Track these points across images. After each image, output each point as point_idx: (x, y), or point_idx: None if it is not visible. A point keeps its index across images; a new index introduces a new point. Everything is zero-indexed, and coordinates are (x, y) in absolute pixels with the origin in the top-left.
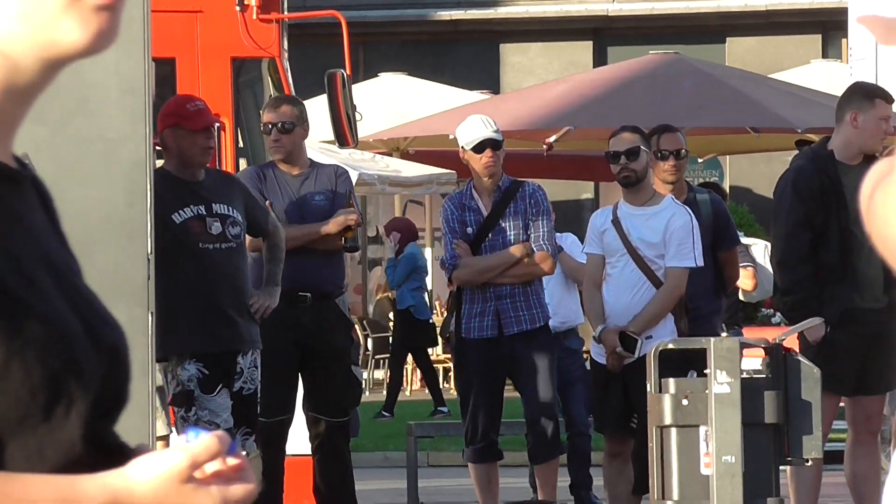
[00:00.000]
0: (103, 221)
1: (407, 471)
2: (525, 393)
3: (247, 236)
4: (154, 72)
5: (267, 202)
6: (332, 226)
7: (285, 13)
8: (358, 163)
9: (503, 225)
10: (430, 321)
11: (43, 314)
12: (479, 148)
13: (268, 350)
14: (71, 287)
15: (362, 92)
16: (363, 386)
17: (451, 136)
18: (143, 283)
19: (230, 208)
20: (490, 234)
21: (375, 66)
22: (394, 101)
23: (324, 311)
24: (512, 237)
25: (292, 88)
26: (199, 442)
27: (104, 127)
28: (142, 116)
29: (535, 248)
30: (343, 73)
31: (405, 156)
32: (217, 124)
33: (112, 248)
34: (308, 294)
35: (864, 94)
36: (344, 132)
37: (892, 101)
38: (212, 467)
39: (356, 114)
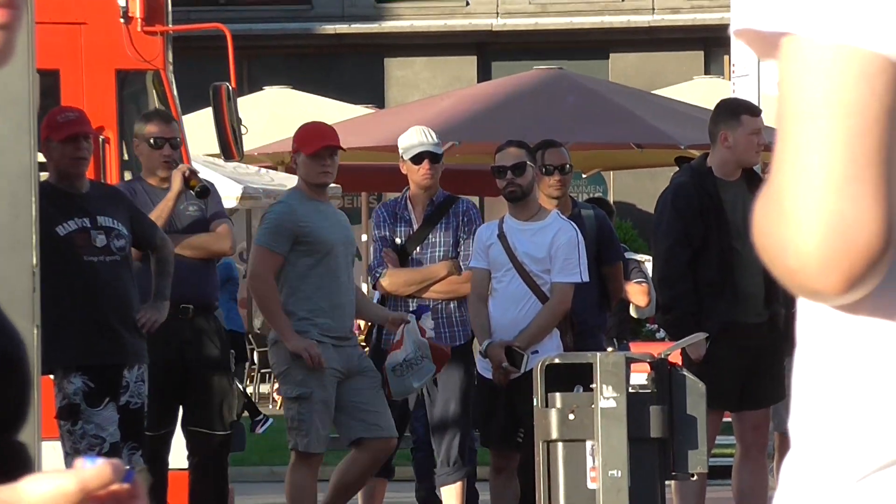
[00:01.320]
0: None
1: None
2: (435, 411)
3: (133, 249)
4: (38, 83)
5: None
6: (175, 182)
7: (170, 26)
8: (243, 176)
9: (433, 239)
10: (242, 333)
11: None
12: (417, 159)
13: (151, 362)
14: None
15: (247, 105)
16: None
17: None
18: (28, 296)
19: (115, 221)
20: (419, 247)
21: (260, 79)
22: (278, 114)
23: (204, 323)
24: (441, 252)
25: (177, 101)
26: (93, 468)
27: None
28: (26, 128)
29: (462, 267)
30: (228, 87)
31: (290, 169)
32: (88, 134)
33: None
34: (190, 306)
35: (729, 113)
36: (229, 145)
37: (759, 112)
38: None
39: (241, 127)
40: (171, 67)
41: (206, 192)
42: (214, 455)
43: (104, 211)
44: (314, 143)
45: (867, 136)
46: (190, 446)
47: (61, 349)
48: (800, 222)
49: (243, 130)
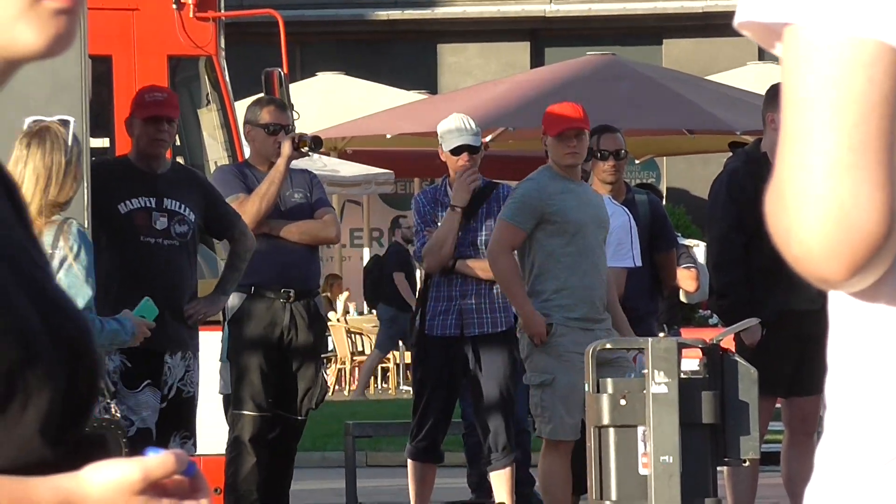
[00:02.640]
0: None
1: (345, 471)
2: (482, 395)
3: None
4: (91, 69)
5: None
6: (285, 147)
7: (222, 11)
8: (296, 162)
9: (474, 224)
10: None
11: (0, 308)
12: (456, 151)
13: (252, 345)
14: (31, 280)
15: (300, 91)
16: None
17: (388, 136)
18: None
19: (183, 206)
20: (461, 233)
21: (313, 65)
22: (331, 100)
23: (303, 308)
24: (483, 237)
25: (229, 87)
26: (157, 457)
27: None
28: (78, 113)
29: None
30: (280, 72)
31: (343, 155)
32: (171, 118)
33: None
34: (291, 290)
35: (774, 95)
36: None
37: None
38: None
39: (293, 113)
40: (223, 53)
41: (320, 142)
42: (286, 439)
43: (174, 194)
44: (559, 124)
45: (865, 123)
46: (262, 430)
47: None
48: (801, 210)
49: (295, 116)
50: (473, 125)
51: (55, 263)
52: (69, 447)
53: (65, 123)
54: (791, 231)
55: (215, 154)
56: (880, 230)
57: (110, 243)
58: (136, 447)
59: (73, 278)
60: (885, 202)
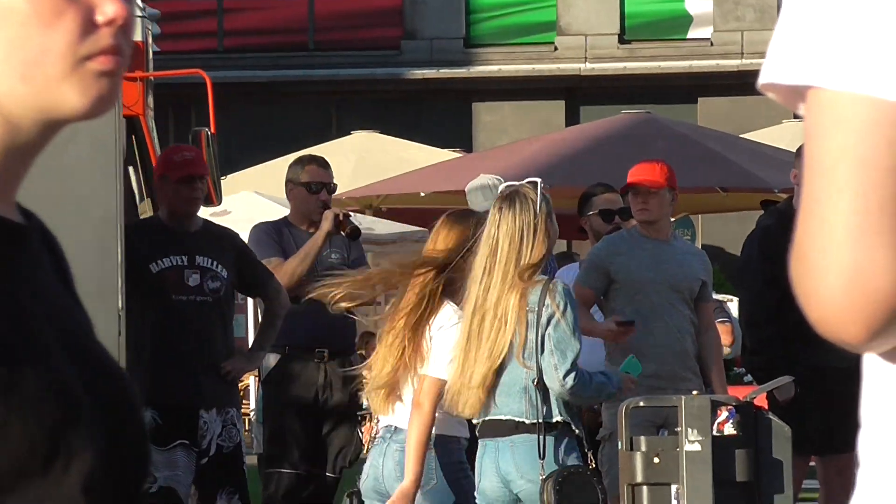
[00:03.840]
0: (74, 278)
1: None
2: None
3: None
4: (125, 129)
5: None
6: (325, 223)
7: (150, 71)
8: None
9: None
10: None
11: (43, 370)
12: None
13: (287, 405)
14: (75, 342)
15: (335, 149)
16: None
17: (423, 194)
18: (114, 340)
19: (215, 262)
20: None
21: (348, 123)
22: (366, 158)
23: (338, 368)
24: None
25: (157, 146)
26: None
27: (74, 183)
28: (112, 173)
29: None
30: (208, 132)
31: (377, 213)
32: (203, 175)
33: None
34: (325, 350)
35: (798, 154)
36: (209, 191)
37: None
38: None
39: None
40: (151, 113)
41: (358, 233)
42: (320, 497)
43: (206, 251)
44: (630, 179)
45: (881, 186)
46: (297, 488)
47: (138, 384)
48: (818, 274)
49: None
50: (499, 189)
51: (543, 320)
52: None
53: (533, 185)
54: (811, 294)
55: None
56: None
57: (143, 303)
58: None
59: (562, 333)
60: None
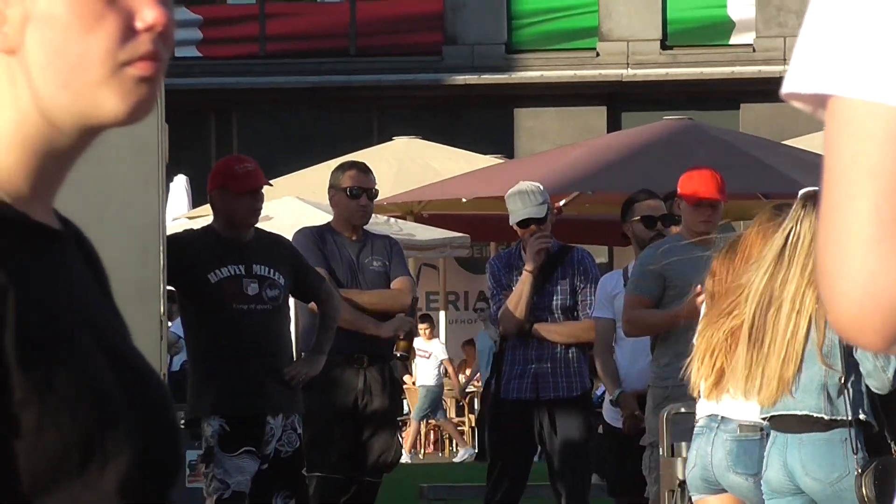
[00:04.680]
0: (116, 282)
1: None
2: (555, 459)
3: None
4: (167, 134)
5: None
6: (385, 330)
7: None
8: (372, 226)
9: (549, 288)
10: None
11: (79, 372)
12: (523, 224)
13: (327, 409)
14: (110, 345)
15: (376, 155)
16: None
17: (465, 200)
18: (156, 344)
19: (272, 270)
20: (535, 297)
21: (390, 129)
22: (407, 164)
23: (377, 373)
24: (559, 301)
25: None
26: None
27: (117, 188)
28: (154, 178)
29: (582, 316)
30: None
31: (419, 219)
32: (265, 186)
33: (124, 309)
34: (365, 356)
35: None
36: None
37: None
38: None
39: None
40: None
41: (407, 355)
42: (360, 502)
43: (261, 259)
44: (697, 195)
45: (894, 195)
46: (338, 492)
47: (204, 395)
48: (834, 282)
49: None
50: (538, 196)
51: None
52: None
53: None
54: (829, 301)
55: None
56: None
57: (203, 314)
58: None
59: None
60: None
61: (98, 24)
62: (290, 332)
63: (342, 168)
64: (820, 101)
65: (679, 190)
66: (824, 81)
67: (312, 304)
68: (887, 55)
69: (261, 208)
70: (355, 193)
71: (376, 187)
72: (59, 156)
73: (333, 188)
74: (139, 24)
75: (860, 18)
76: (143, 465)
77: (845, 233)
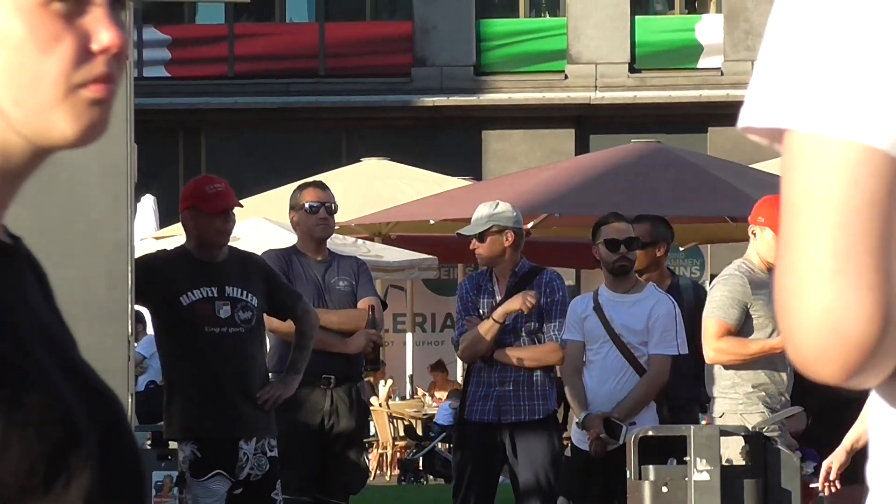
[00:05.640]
0: (83, 303)
1: None
2: (519, 481)
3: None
4: (136, 155)
5: None
6: (352, 346)
7: None
8: (339, 247)
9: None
10: None
11: (42, 388)
12: (481, 237)
13: (293, 430)
14: (68, 361)
15: (345, 176)
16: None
17: (433, 222)
18: (123, 365)
19: (245, 292)
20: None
21: (358, 150)
22: (376, 186)
23: (344, 394)
24: (524, 324)
25: None
26: None
27: (86, 208)
28: (123, 198)
29: (546, 339)
30: None
31: (387, 241)
32: (236, 207)
33: (92, 330)
34: (332, 376)
35: None
36: None
37: None
38: None
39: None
40: None
41: (377, 366)
42: None
43: (234, 281)
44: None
45: (850, 226)
46: None
47: (176, 418)
48: (793, 316)
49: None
50: (506, 212)
51: None
52: None
53: None
54: (787, 335)
55: None
56: (870, 333)
57: (175, 336)
58: None
59: None
60: (873, 305)
61: (55, 44)
62: (263, 354)
63: (300, 188)
64: (776, 134)
65: (762, 217)
66: (779, 116)
67: (276, 325)
68: (841, 90)
69: (231, 229)
70: (314, 208)
71: (335, 203)
72: (7, 176)
73: (293, 209)
74: (95, 47)
75: (814, 53)
76: (105, 482)
77: (802, 266)
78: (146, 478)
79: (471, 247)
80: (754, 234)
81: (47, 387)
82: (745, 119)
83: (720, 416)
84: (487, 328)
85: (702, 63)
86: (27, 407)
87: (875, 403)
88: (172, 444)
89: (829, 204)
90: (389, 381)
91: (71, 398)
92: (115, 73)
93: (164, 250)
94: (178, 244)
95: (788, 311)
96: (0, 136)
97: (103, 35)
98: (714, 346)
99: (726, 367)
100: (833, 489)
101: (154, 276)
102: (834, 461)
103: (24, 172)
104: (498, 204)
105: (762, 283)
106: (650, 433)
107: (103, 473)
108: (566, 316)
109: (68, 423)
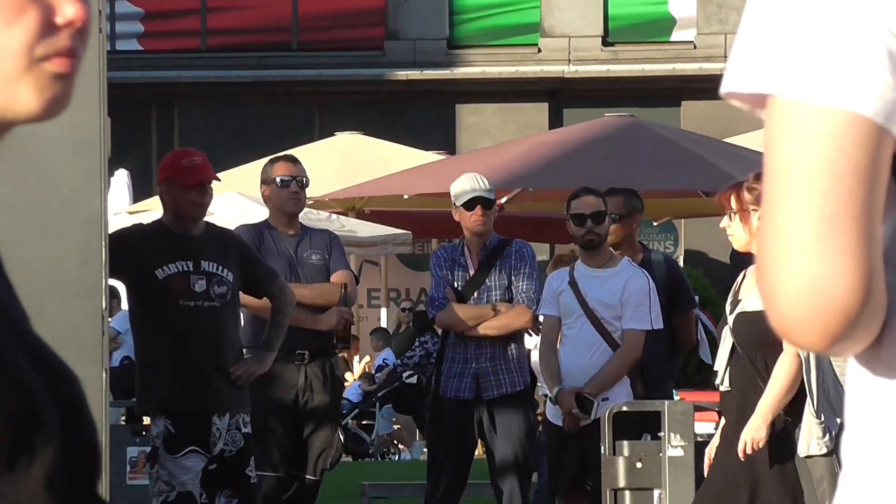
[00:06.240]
0: (56, 278)
1: None
2: (496, 456)
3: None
4: (109, 128)
5: None
6: (324, 323)
7: None
8: (313, 222)
9: (489, 283)
10: None
11: (2, 366)
12: (469, 205)
13: (266, 406)
14: (25, 338)
15: (318, 151)
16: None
17: (406, 196)
18: (97, 341)
19: (220, 267)
20: (476, 293)
21: (331, 125)
22: (349, 160)
23: (318, 370)
24: (497, 295)
25: None
26: None
27: (58, 183)
28: (96, 173)
29: (515, 301)
30: None
31: (361, 215)
32: (213, 180)
33: (66, 306)
34: (306, 352)
35: None
36: None
37: None
38: None
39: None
40: None
41: (348, 345)
42: (301, 500)
43: (211, 255)
44: None
45: (835, 193)
46: (278, 490)
47: (150, 393)
48: (775, 282)
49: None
50: (486, 183)
51: None
52: None
53: None
54: (769, 302)
55: None
56: (853, 300)
57: (149, 310)
58: None
59: None
60: (857, 272)
61: (18, 17)
62: (238, 330)
63: (270, 162)
64: (759, 100)
65: None
66: (763, 81)
67: (249, 300)
68: (825, 56)
69: (209, 202)
70: (286, 182)
71: (306, 177)
72: None
73: (265, 183)
74: (59, 20)
75: (798, 18)
76: (66, 460)
77: (786, 232)
78: (101, 455)
79: (475, 216)
80: None
81: (7, 365)
82: (728, 84)
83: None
84: (484, 315)
85: (675, 36)
86: None
87: (854, 372)
88: (146, 420)
89: (814, 170)
90: (366, 358)
91: (31, 376)
92: (79, 48)
93: (140, 224)
94: (153, 219)
95: (771, 277)
96: None
97: (67, 8)
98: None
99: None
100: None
101: (129, 251)
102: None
103: None
104: (481, 177)
105: None
106: (624, 408)
107: (64, 452)
108: (539, 286)
109: (30, 401)
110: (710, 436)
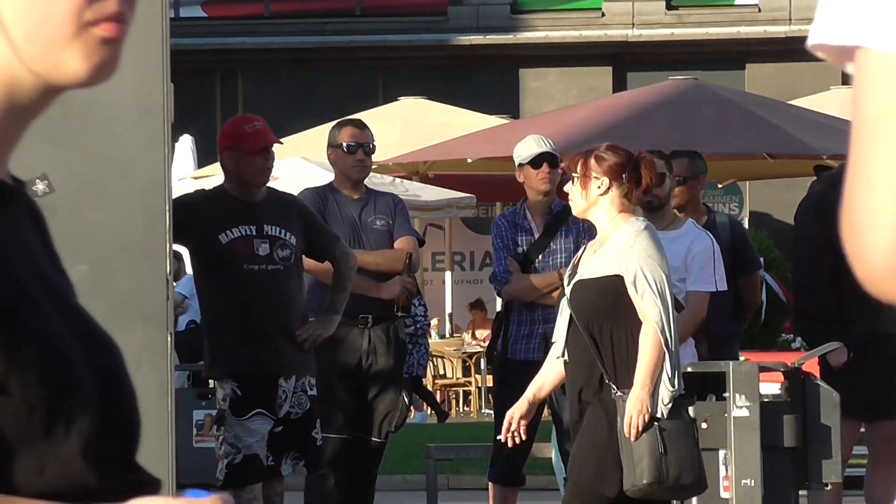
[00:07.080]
0: (121, 243)
1: (426, 494)
2: (563, 420)
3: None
4: (173, 94)
5: None
6: (386, 292)
7: None
8: (377, 186)
9: (554, 246)
10: None
11: (42, 332)
12: (536, 162)
13: (329, 369)
14: (66, 306)
15: (381, 116)
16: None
17: (470, 160)
18: (161, 305)
19: (283, 231)
20: (541, 255)
21: (395, 90)
22: (413, 125)
23: (382, 333)
24: (563, 259)
25: None
26: (201, 501)
27: (122, 149)
28: (160, 139)
29: None
30: None
31: (424, 179)
32: (275, 143)
33: (130, 270)
34: (370, 316)
35: None
36: None
37: None
38: None
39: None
40: None
41: (408, 314)
42: (366, 462)
43: (273, 219)
44: None
45: None
46: (342, 452)
47: (217, 357)
48: (864, 234)
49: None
50: (552, 144)
51: None
52: (116, 480)
53: None
54: (857, 254)
55: None
56: None
57: (214, 274)
58: (243, 473)
59: None
60: None
61: None
62: (302, 293)
63: (338, 126)
64: (847, 53)
65: None
66: (852, 33)
67: (312, 265)
68: None
69: (272, 167)
70: (352, 148)
71: (373, 143)
72: (17, 114)
73: (331, 147)
74: None
75: None
76: (104, 427)
77: (876, 184)
78: (140, 426)
79: (542, 173)
80: None
81: (47, 333)
82: (816, 36)
83: None
84: (547, 283)
85: (739, 0)
86: (27, 353)
87: None
88: (212, 384)
89: None
90: (434, 321)
91: (70, 343)
92: (127, 13)
93: (203, 189)
94: (217, 184)
95: (860, 230)
96: (10, 72)
97: None
98: None
99: None
100: (518, 440)
101: (193, 216)
102: (516, 412)
103: (34, 109)
104: (546, 139)
105: None
106: (689, 370)
107: (102, 419)
108: None
109: (67, 368)
110: (777, 396)
